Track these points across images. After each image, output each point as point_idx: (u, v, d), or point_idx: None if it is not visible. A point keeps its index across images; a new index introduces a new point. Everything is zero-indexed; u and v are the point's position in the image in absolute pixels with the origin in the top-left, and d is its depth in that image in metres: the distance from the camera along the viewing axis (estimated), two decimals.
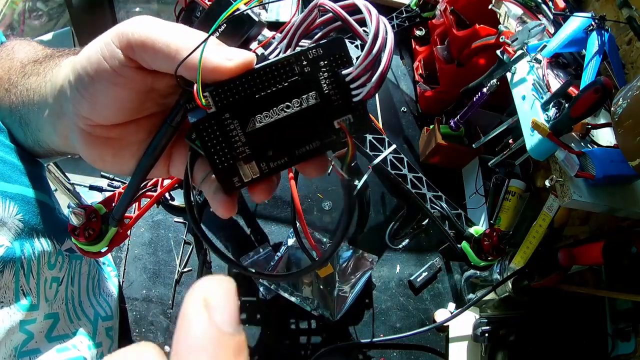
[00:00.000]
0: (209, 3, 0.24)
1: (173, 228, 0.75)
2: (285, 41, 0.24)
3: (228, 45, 0.24)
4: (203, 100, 0.22)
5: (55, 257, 0.42)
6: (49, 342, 0.41)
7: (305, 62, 0.23)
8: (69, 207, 0.43)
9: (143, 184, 0.51)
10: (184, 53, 0.22)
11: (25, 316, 0.37)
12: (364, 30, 0.23)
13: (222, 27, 0.24)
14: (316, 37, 0.25)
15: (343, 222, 0.26)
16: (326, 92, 0.24)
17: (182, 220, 0.76)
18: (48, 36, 1.17)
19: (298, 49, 0.24)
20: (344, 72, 0.23)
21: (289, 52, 0.24)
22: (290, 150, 0.25)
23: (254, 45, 0.25)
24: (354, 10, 0.24)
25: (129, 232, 0.49)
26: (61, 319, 0.43)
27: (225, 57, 0.23)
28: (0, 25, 1.12)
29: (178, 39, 0.23)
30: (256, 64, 0.23)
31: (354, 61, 0.23)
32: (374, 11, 0.23)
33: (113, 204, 0.48)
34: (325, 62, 0.23)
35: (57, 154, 0.37)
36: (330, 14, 0.23)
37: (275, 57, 0.24)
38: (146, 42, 0.23)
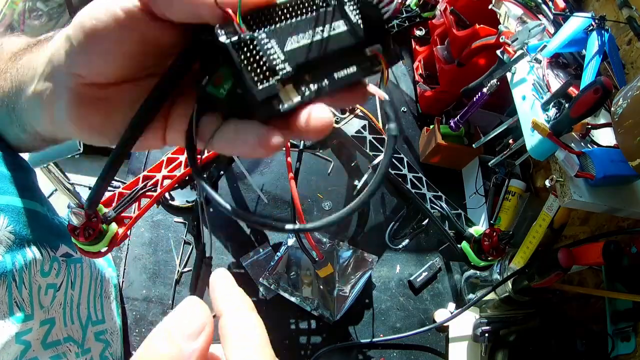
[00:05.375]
0: None
1: (173, 228, 0.75)
2: None
3: None
4: (242, 24, 0.22)
5: (50, 264, 0.41)
6: (44, 349, 0.40)
7: None
8: (69, 207, 0.43)
9: (143, 184, 0.51)
10: None
11: (20, 328, 0.36)
12: None
13: None
14: None
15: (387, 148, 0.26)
16: (354, 21, 0.25)
17: (182, 220, 0.76)
18: None
19: None
20: None
21: None
22: (330, 73, 0.25)
23: None
24: None
25: (129, 232, 0.49)
26: (57, 323, 0.43)
27: None
28: (0, 25, 1.12)
29: None
30: None
31: None
32: None
33: (113, 204, 0.48)
34: None
35: (43, 140, 0.34)
36: None
37: None
38: None
